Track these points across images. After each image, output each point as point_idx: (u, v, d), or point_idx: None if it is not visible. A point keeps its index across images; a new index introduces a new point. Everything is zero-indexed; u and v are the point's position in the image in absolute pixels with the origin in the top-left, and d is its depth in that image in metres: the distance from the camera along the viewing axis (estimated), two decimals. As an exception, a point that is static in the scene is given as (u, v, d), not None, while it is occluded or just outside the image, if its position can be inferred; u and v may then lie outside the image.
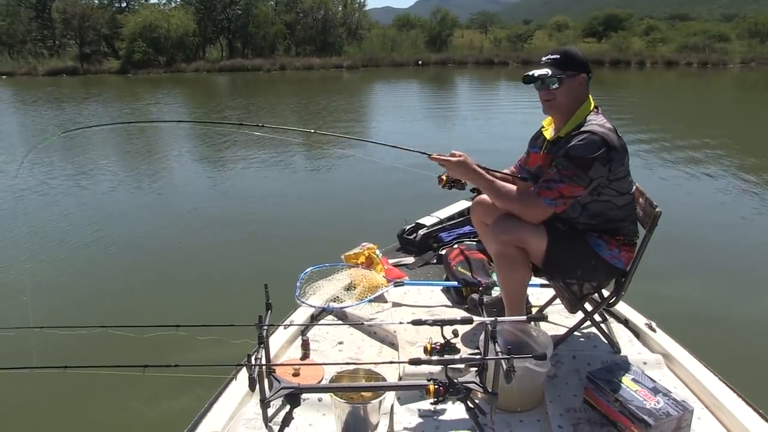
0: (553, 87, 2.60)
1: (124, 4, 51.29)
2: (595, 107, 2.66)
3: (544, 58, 2.66)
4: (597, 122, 2.55)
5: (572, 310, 2.87)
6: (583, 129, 2.52)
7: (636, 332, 3.06)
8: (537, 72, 2.62)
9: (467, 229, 4.25)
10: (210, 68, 43.05)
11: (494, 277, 3.35)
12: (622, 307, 3.20)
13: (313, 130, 3.45)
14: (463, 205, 4.52)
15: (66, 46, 47.22)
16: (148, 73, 40.70)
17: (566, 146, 2.53)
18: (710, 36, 49.50)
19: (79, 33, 45.18)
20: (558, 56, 2.61)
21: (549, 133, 2.76)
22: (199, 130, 16.44)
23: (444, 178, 2.86)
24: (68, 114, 19.29)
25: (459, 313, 3.20)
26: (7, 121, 18.13)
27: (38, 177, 10.02)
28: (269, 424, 2.26)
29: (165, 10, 48.97)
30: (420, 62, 46.44)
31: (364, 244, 3.85)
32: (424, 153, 2.82)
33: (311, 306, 3.29)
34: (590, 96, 2.67)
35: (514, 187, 2.69)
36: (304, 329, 3.04)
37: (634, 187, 2.73)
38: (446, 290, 3.59)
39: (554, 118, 2.74)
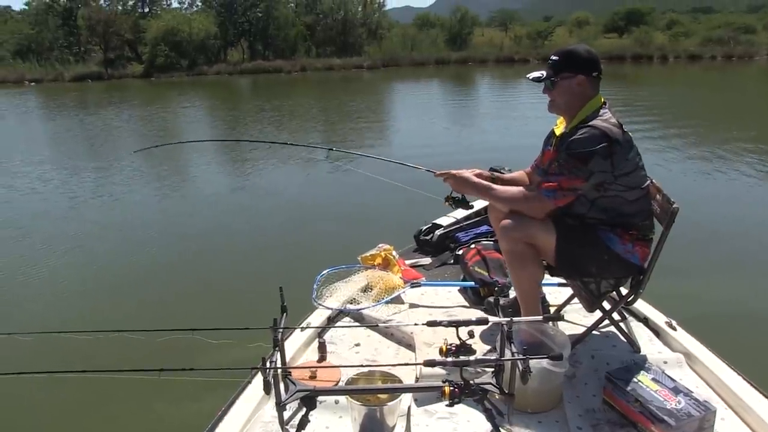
0: (550, 88, 2.68)
1: (146, 10, 51.94)
2: (604, 103, 2.67)
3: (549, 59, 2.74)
4: (601, 117, 2.57)
5: (590, 308, 2.84)
6: (586, 124, 2.56)
7: (656, 331, 3.03)
8: (531, 75, 2.73)
9: (484, 228, 4.22)
10: (231, 71, 43.34)
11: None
12: (641, 306, 3.17)
13: (332, 148, 3.70)
14: (479, 204, 4.49)
15: (91, 52, 47.90)
16: (170, 76, 41.09)
17: (569, 140, 2.56)
18: (735, 28, 48.70)
19: (103, 39, 45.84)
20: (557, 57, 2.68)
21: (559, 130, 2.79)
22: (220, 128, 16.60)
23: (449, 197, 3.05)
24: (105, 119, 19.57)
25: (475, 314, 3.17)
26: (48, 129, 18.39)
27: (63, 183, 10.17)
28: (286, 426, 2.25)
29: (186, 14, 49.62)
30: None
31: (380, 245, 3.85)
32: (430, 171, 3.07)
33: (328, 308, 3.30)
34: (600, 93, 2.69)
35: (514, 188, 2.75)
36: (321, 331, 3.04)
37: (648, 182, 2.70)
38: (463, 290, 3.58)
39: (561, 116, 2.79)
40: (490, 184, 2.81)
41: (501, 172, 3.28)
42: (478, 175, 2.91)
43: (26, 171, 11.33)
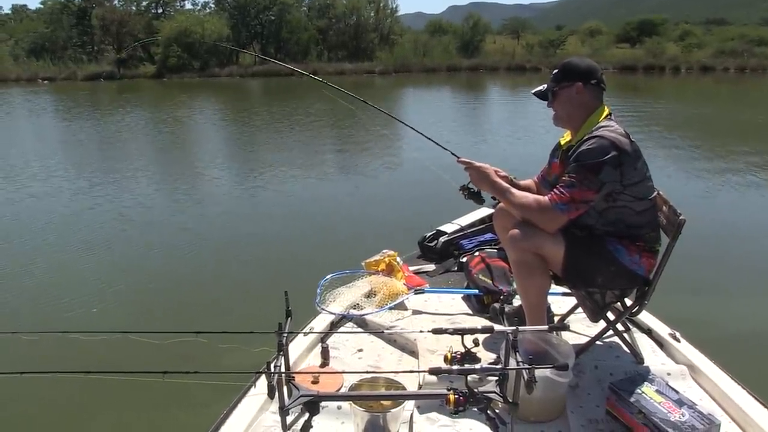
0: (551, 100, 2.73)
1: (160, 11, 52.34)
2: (609, 114, 2.67)
3: None
4: (608, 128, 2.57)
5: (594, 319, 2.83)
6: (593, 134, 2.55)
7: (660, 342, 3.02)
8: (534, 90, 2.80)
9: (488, 236, 4.21)
10: (243, 73, 43.46)
11: (515, 285, 3.33)
12: (645, 317, 3.15)
13: (363, 100, 3.74)
14: (484, 212, 4.48)
15: (104, 52, 48.24)
16: (182, 77, 41.25)
17: (577, 151, 2.56)
18: (749, 40, 48.45)
19: (116, 38, 46.20)
20: (557, 70, 2.73)
21: (565, 140, 2.81)
22: (230, 133, 16.63)
23: (465, 187, 2.97)
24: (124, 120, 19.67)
25: (480, 322, 3.18)
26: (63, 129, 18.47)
27: (69, 183, 10.25)
28: (288, 431, 2.26)
29: (200, 15, 49.89)
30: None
31: (384, 251, 3.85)
32: (454, 154, 3.02)
33: (331, 313, 3.30)
34: (604, 104, 2.70)
35: (531, 196, 2.71)
36: (324, 336, 3.04)
37: (655, 194, 2.70)
38: (467, 298, 3.57)
39: (566, 128, 2.80)
40: (509, 186, 2.79)
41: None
42: (500, 176, 2.90)
43: (26, 170, 11.44)
